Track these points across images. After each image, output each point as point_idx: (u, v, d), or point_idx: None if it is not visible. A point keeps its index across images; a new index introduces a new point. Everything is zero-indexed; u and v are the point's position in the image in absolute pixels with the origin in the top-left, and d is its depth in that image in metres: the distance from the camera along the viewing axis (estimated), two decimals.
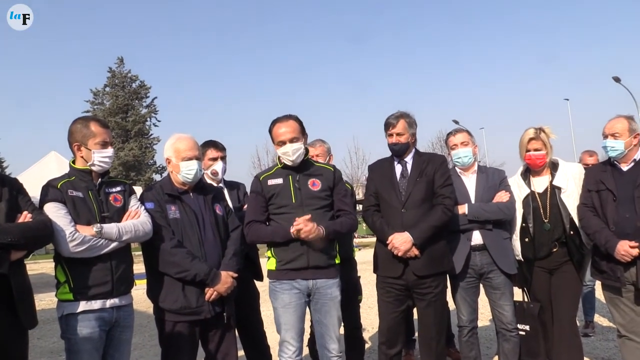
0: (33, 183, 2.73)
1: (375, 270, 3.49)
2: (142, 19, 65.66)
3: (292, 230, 2.90)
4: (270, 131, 3.15)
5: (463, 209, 3.50)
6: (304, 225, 2.86)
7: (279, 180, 3.09)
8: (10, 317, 2.34)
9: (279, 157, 3.16)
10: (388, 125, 3.44)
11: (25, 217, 2.44)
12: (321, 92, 69.24)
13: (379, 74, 70.04)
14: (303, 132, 3.14)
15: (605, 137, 3.27)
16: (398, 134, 3.40)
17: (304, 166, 3.13)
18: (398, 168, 3.45)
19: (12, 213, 2.42)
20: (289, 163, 3.09)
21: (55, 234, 2.51)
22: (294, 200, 3.04)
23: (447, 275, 3.72)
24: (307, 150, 3.18)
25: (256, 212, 3.10)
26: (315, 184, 3.08)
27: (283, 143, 3.06)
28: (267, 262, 3.13)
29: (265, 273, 3.35)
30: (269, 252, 3.10)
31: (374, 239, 3.65)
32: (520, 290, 3.73)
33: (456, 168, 3.73)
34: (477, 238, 3.51)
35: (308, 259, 2.99)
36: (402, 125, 3.40)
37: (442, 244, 3.39)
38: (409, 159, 3.45)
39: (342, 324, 3.79)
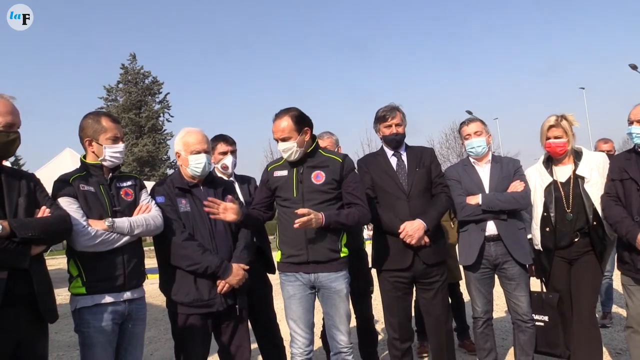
0: (49, 179, 2.74)
1: (375, 265, 3.45)
2: (154, 14, 66.00)
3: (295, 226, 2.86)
4: None
5: (477, 199, 3.47)
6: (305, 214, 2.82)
7: (284, 172, 3.09)
8: (31, 312, 2.35)
9: None
10: (385, 117, 3.43)
11: (43, 212, 2.45)
12: (332, 84, 69.10)
13: (393, 65, 69.61)
14: (299, 128, 3.00)
15: (631, 123, 3.15)
16: (397, 125, 3.42)
17: (311, 157, 3.08)
18: (393, 160, 3.44)
19: (31, 208, 2.43)
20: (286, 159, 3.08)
21: None
22: (295, 195, 3.01)
23: (462, 267, 3.70)
24: (314, 139, 3.13)
25: (258, 201, 3.21)
26: (318, 177, 3.02)
27: (277, 140, 3.05)
28: (276, 255, 3.17)
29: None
30: (276, 243, 3.14)
31: None
32: (539, 280, 3.67)
33: (470, 158, 3.69)
34: (491, 228, 3.48)
35: (308, 254, 2.97)
36: (399, 116, 3.44)
37: (442, 232, 3.48)
38: (402, 150, 3.47)
39: (355, 315, 3.79)
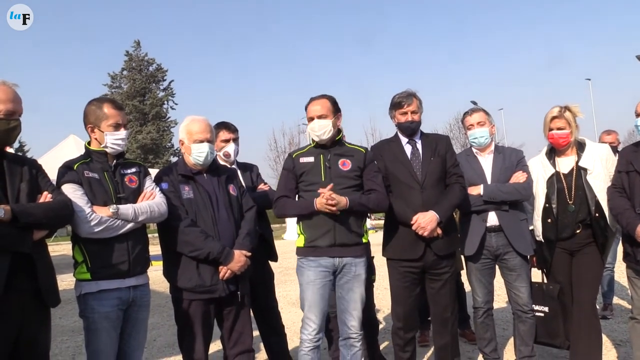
0: (53, 166, 2.76)
1: (385, 254, 3.44)
2: (158, 1, 65.66)
3: (316, 202, 2.91)
4: (305, 109, 3.19)
5: (479, 189, 3.46)
6: (327, 194, 2.86)
7: (310, 159, 3.14)
8: (34, 296, 2.38)
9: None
10: (401, 104, 3.37)
11: (45, 197, 2.46)
12: (335, 73, 68.79)
13: (398, 55, 69.16)
14: (335, 111, 3.14)
15: (638, 115, 3.14)
16: (413, 112, 3.37)
17: (336, 146, 3.15)
18: (408, 148, 3.40)
19: (33, 193, 2.44)
20: (316, 139, 3.12)
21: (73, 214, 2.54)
22: (324, 179, 3.05)
23: (463, 257, 3.71)
24: (339, 131, 3.18)
25: (286, 188, 3.17)
26: (345, 164, 3.09)
27: (312, 119, 3.11)
28: (297, 240, 3.18)
29: (293, 250, 3.35)
30: (299, 229, 3.14)
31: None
32: (540, 271, 3.68)
33: (472, 148, 3.68)
34: (492, 219, 3.48)
35: (335, 236, 3.00)
36: (415, 103, 3.38)
37: (454, 222, 3.44)
38: (417, 138, 3.42)
39: None
